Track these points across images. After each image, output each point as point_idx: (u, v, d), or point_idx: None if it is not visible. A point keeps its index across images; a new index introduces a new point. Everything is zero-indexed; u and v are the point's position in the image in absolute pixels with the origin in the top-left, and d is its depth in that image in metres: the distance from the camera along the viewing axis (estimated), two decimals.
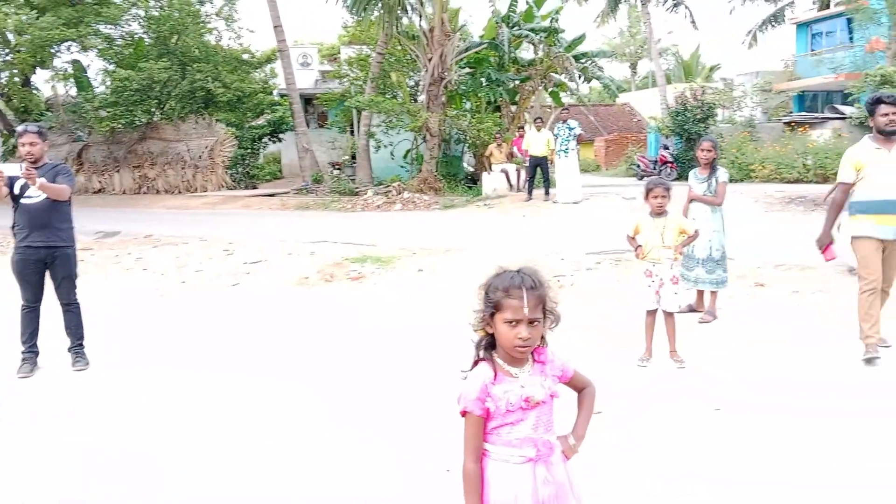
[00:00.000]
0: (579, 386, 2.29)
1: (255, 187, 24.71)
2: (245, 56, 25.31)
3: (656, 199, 5.20)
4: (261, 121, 26.55)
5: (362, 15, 18.82)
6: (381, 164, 21.69)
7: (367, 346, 6.05)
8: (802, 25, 31.41)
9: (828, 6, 29.39)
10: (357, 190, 19.62)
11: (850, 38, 27.12)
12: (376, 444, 3.93)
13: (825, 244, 5.27)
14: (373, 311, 7.32)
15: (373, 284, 8.57)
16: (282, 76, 23.38)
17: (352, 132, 24.35)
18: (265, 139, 26.47)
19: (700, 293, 6.61)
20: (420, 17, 19.55)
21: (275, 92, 27.18)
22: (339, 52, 28.13)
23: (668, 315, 5.29)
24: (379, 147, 21.14)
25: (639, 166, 23.81)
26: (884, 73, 19.57)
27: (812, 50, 30.65)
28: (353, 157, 22.78)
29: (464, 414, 2.13)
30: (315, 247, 10.84)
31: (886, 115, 5.00)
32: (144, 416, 4.51)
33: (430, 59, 18.89)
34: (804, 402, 4.36)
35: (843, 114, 23.13)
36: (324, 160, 23.70)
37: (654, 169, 22.53)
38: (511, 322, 2.07)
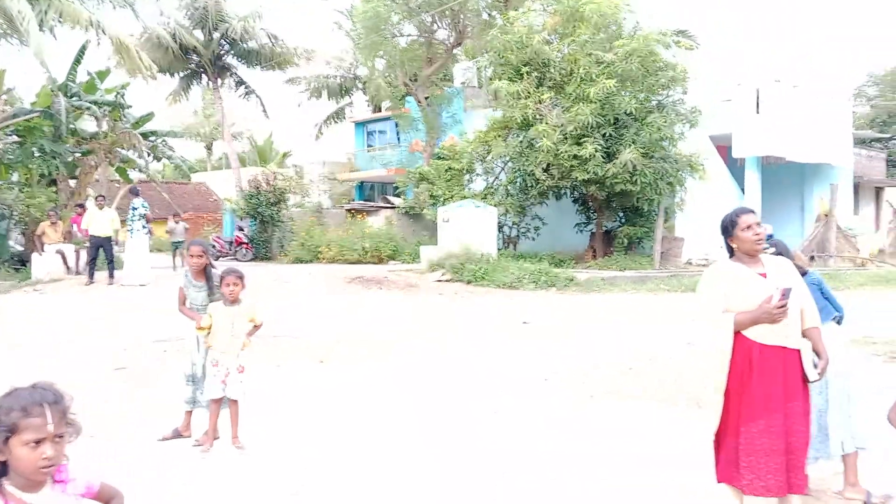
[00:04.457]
0: (107, 498, 2.23)
1: None
2: None
3: (228, 287, 5.27)
4: None
5: None
6: None
7: None
8: (360, 124, 35.65)
9: (379, 109, 33.91)
10: None
11: (398, 139, 31.68)
12: None
13: None
14: None
15: None
16: None
17: None
18: None
19: (189, 416, 5.57)
20: None
21: None
22: None
23: (233, 402, 5.37)
24: None
25: (214, 247, 23.79)
26: (422, 171, 23.26)
27: (369, 146, 34.90)
28: None
29: None
30: None
31: None
32: None
33: None
34: (360, 474, 4.84)
35: (392, 204, 26.66)
36: None
37: (230, 250, 22.79)
38: (33, 442, 1.95)
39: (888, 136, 43.10)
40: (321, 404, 6.50)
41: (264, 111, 32.96)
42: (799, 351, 3.53)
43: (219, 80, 31.57)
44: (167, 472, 4.69)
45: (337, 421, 5.98)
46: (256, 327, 5.43)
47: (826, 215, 21.12)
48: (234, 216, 24.83)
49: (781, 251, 4.15)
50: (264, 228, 23.24)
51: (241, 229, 23.58)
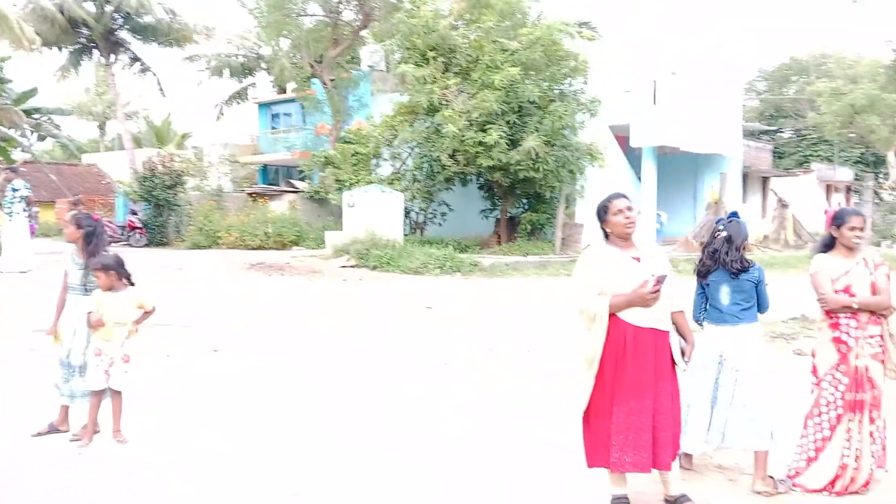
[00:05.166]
0: None
1: None
2: None
3: (96, 278, 5.04)
4: None
5: None
6: None
7: None
8: (264, 105, 34.62)
9: (284, 91, 33.00)
10: None
11: (304, 122, 30.94)
12: None
13: None
14: None
15: None
16: None
17: None
18: None
19: (65, 409, 5.21)
20: None
21: None
22: None
23: (116, 393, 5.09)
24: None
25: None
26: (327, 155, 22.82)
27: (273, 128, 33.95)
28: None
29: None
30: None
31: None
32: None
33: None
34: (258, 464, 4.66)
35: (297, 188, 26.08)
36: None
37: (122, 235, 21.69)
38: None
39: (775, 128, 45.82)
40: (214, 394, 6.25)
41: (161, 90, 31.49)
42: (668, 333, 3.65)
43: (111, 56, 29.86)
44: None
45: (232, 410, 5.77)
46: (147, 314, 5.21)
47: (716, 203, 22.17)
48: (128, 199, 23.62)
49: (732, 234, 4.10)
50: (160, 212, 22.22)
51: (134, 213, 22.45)
